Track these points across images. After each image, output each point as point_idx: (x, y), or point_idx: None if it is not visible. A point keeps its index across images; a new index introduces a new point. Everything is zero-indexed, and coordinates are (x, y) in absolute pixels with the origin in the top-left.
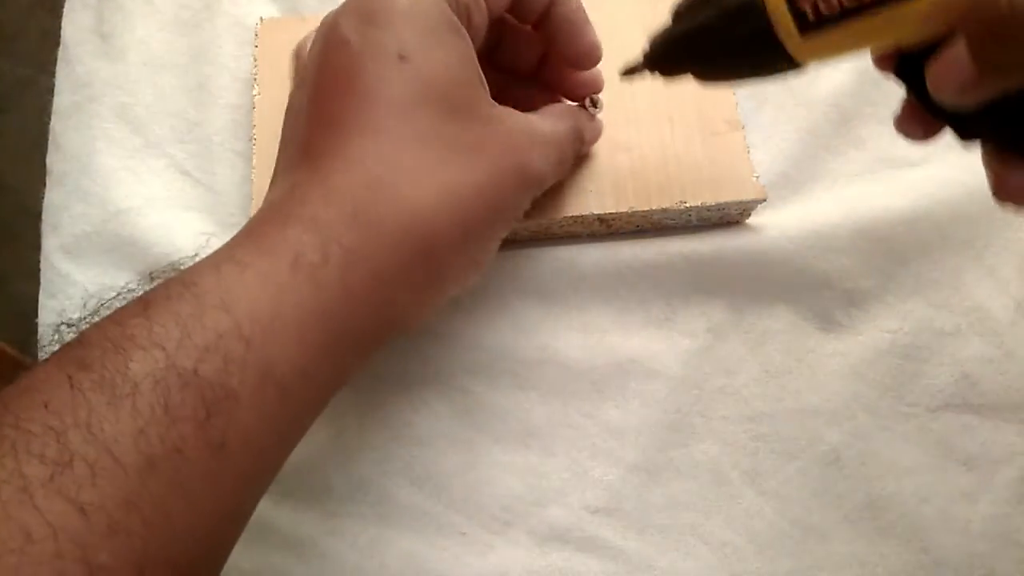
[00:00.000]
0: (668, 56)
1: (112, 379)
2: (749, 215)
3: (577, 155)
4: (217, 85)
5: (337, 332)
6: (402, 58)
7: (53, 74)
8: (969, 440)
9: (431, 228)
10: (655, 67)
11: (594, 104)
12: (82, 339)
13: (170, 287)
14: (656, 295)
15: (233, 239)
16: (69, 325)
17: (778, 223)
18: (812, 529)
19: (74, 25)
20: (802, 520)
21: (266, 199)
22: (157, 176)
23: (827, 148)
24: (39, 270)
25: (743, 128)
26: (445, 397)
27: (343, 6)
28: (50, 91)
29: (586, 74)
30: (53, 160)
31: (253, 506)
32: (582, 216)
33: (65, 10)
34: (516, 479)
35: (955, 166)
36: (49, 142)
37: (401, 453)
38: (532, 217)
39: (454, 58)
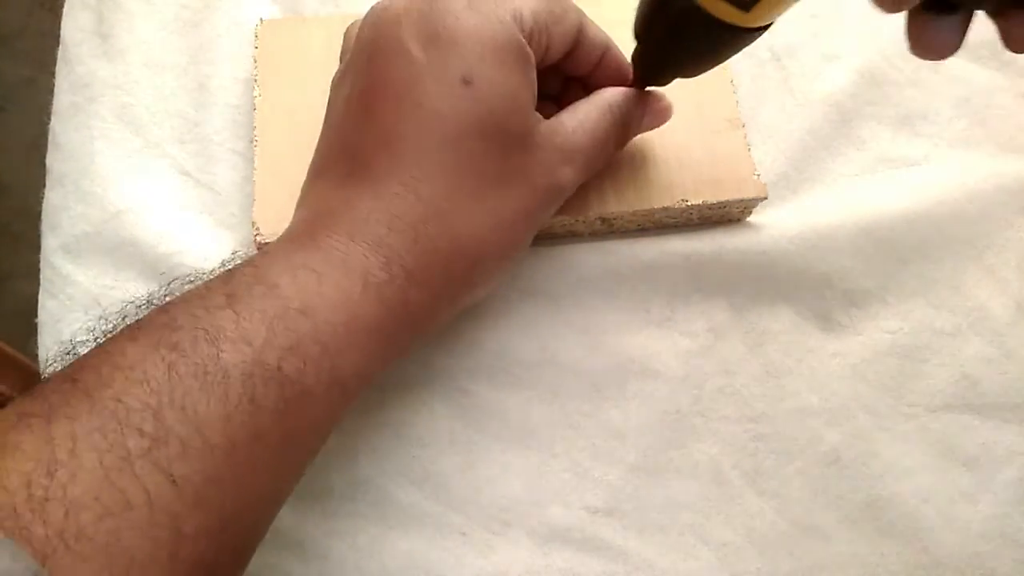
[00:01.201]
0: (650, 75)
1: (205, 366)
2: (750, 213)
3: (622, 144)
4: (217, 85)
5: (392, 341)
6: (466, 82)
7: (53, 74)
8: (969, 440)
9: (479, 252)
10: (645, 85)
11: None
12: (172, 322)
13: (252, 285)
14: (656, 295)
15: (298, 239)
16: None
17: (778, 223)
18: (812, 529)
19: (74, 25)
20: (802, 520)
21: (316, 200)
22: (157, 176)
23: (827, 148)
24: (39, 270)
25: (744, 126)
26: (445, 397)
27: (406, 11)
28: (50, 91)
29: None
30: (53, 160)
31: (297, 482)
32: (583, 215)
33: (65, 10)
34: (516, 479)
35: (955, 166)
36: (49, 142)
37: (401, 453)
38: None
39: (515, 85)
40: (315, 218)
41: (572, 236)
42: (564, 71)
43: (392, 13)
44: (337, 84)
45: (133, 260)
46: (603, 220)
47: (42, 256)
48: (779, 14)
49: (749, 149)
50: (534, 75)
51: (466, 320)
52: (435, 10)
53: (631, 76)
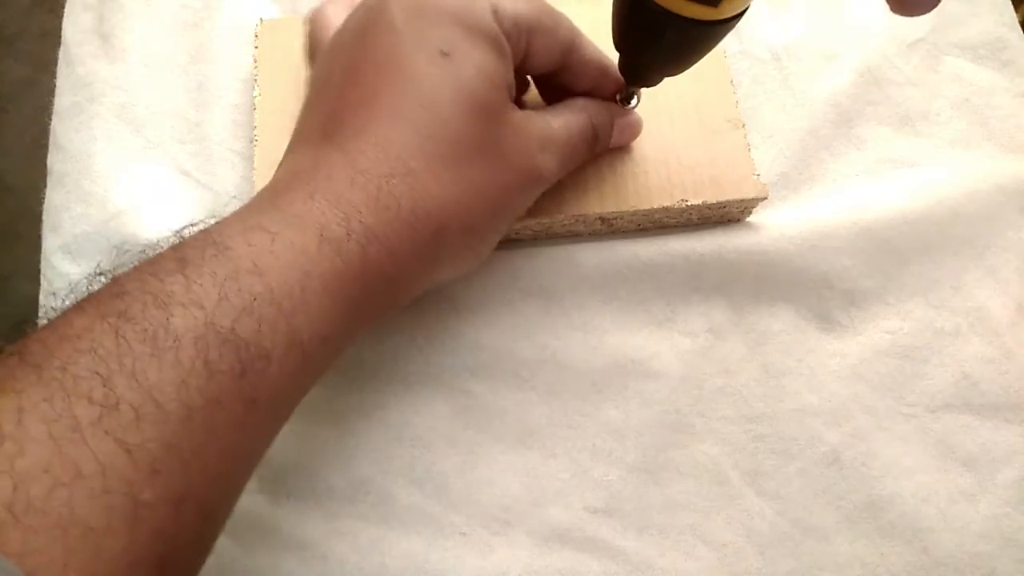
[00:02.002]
0: (636, 80)
1: (155, 332)
2: (750, 213)
3: (592, 151)
4: (217, 85)
5: (353, 302)
6: (444, 55)
7: (53, 74)
8: (969, 440)
9: (442, 218)
10: (635, 88)
11: (626, 100)
12: (120, 290)
13: (204, 248)
14: (656, 295)
15: (257, 203)
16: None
17: (778, 223)
18: (812, 529)
19: (75, 26)
20: (802, 520)
21: (287, 165)
22: (157, 176)
23: (827, 148)
24: (40, 270)
25: (744, 126)
26: (445, 397)
27: None
28: (50, 91)
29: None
30: (54, 160)
31: (265, 452)
32: (583, 215)
33: (66, 10)
34: (516, 479)
35: (955, 166)
36: (50, 142)
37: (401, 453)
38: (534, 216)
39: (491, 64)
40: (280, 181)
41: (572, 236)
42: (560, 86)
43: None
44: (320, 63)
45: (133, 260)
46: (603, 220)
47: (43, 256)
48: (750, 1)
49: (749, 149)
50: (509, 65)
51: (466, 320)
52: None
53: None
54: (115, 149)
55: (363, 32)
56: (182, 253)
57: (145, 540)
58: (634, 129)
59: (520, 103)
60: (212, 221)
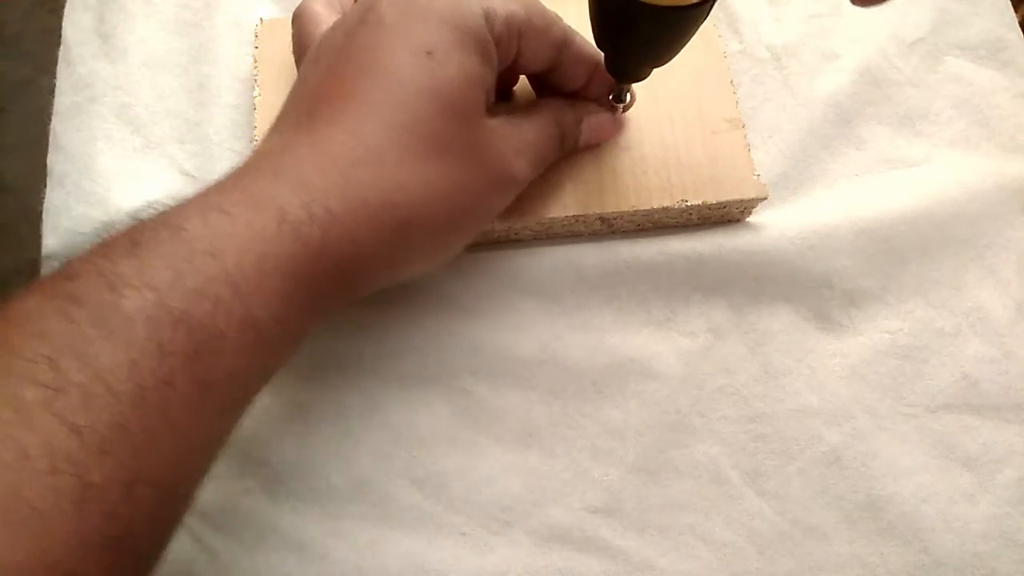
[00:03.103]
0: (623, 76)
1: (105, 314)
2: (750, 213)
3: (561, 151)
4: (217, 85)
5: (311, 287)
6: (428, 54)
7: (53, 74)
8: (969, 440)
9: (408, 212)
10: (624, 84)
11: (618, 98)
12: (71, 272)
13: (158, 230)
14: (656, 295)
15: (220, 184)
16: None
17: (778, 223)
18: (812, 529)
19: (75, 26)
20: (802, 520)
21: (260, 146)
22: (158, 176)
23: (827, 148)
24: (39, 271)
25: (744, 126)
26: (445, 397)
27: None
28: (50, 91)
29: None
30: (54, 161)
31: (228, 436)
32: (583, 215)
33: (66, 11)
34: (516, 479)
35: (955, 166)
36: (50, 142)
37: (401, 453)
38: (534, 216)
39: (473, 67)
40: (246, 164)
41: (572, 236)
42: (552, 84)
43: None
44: (313, 54)
45: None
46: (603, 220)
47: (43, 257)
48: None
49: (749, 149)
50: (492, 70)
51: (466, 320)
52: None
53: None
54: (115, 149)
55: (352, 28)
56: (136, 236)
57: (95, 521)
58: (606, 128)
59: (511, 96)
60: (170, 203)
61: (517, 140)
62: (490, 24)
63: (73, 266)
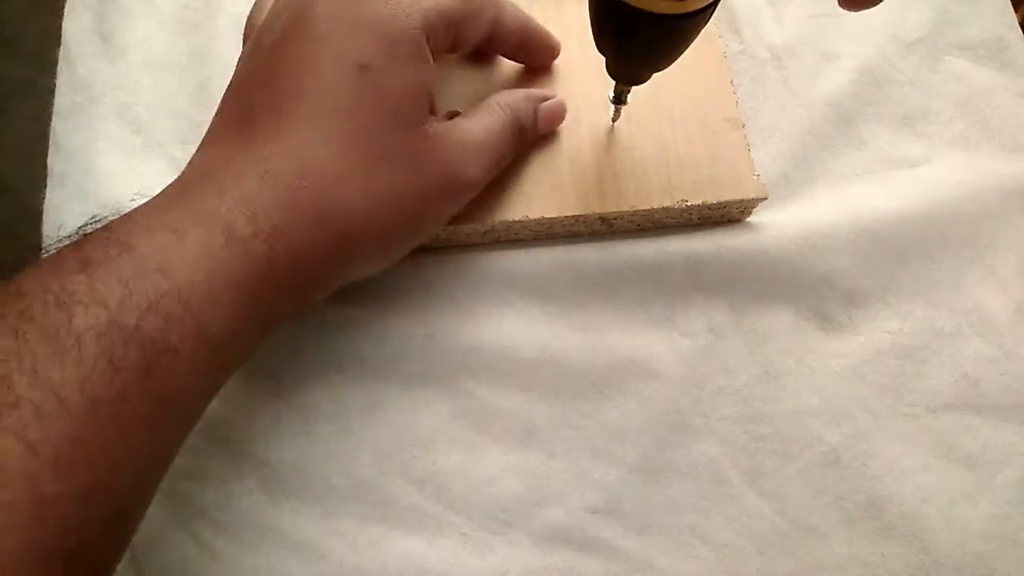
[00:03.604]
0: (623, 79)
1: (56, 331)
2: (750, 213)
3: (522, 145)
4: (217, 85)
5: (262, 300)
6: (362, 68)
7: (53, 74)
8: (969, 440)
9: (352, 223)
10: (626, 86)
11: (619, 100)
12: (21, 290)
13: (108, 247)
14: (656, 294)
15: (165, 199)
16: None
17: (778, 223)
18: (812, 529)
19: (75, 25)
20: (802, 520)
21: (198, 161)
22: (158, 176)
23: (827, 148)
24: None
25: (744, 126)
26: (445, 397)
27: None
28: (50, 91)
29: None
30: (54, 161)
31: (179, 447)
32: (583, 215)
33: (66, 10)
34: (516, 479)
35: (955, 166)
36: (50, 143)
37: (401, 453)
38: (534, 216)
39: (409, 76)
40: (190, 178)
41: (572, 236)
42: (487, 51)
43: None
44: (243, 59)
45: None
46: (603, 220)
47: (43, 256)
48: None
49: (749, 149)
50: (432, 72)
51: (466, 320)
52: None
53: (555, 51)
54: (116, 149)
55: (285, 34)
56: (85, 253)
57: (50, 533)
58: (557, 111)
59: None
60: (112, 216)
61: (467, 143)
62: (426, 24)
63: (22, 283)
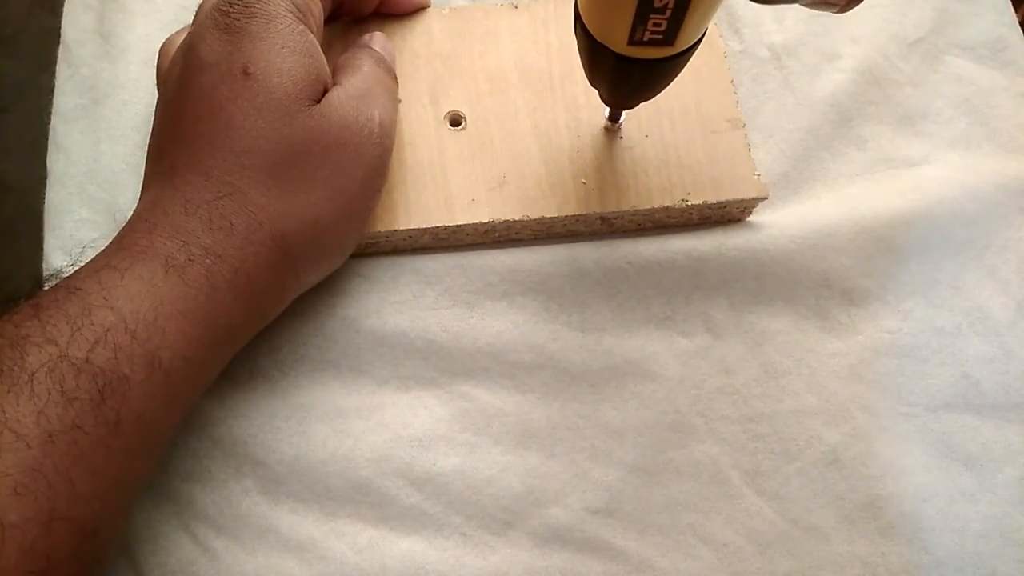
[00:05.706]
0: (616, 106)
1: (10, 370)
2: (750, 213)
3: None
4: None
5: (209, 322)
6: (247, 74)
7: (53, 74)
8: (969, 440)
9: (278, 225)
10: (621, 110)
11: (614, 120)
12: None
13: (57, 292)
14: (656, 293)
15: (107, 249)
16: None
17: (778, 222)
18: (812, 529)
19: (75, 25)
20: (802, 520)
21: (136, 209)
22: None
23: (827, 148)
24: (40, 271)
25: (744, 126)
26: (444, 398)
27: (202, 25)
28: (50, 91)
29: None
30: (54, 161)
31: (148, 474)
32: (584, 215)
33: (66, 10)
34: (516, 480)
35: (955, 166)
36: (50, 143)
37: (401, 454)
38: (535, 215)
39: (291, 65)
40: (126, 227)
41: (572, 235)
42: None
43: (193, 33)
44: (158, 101)
45: None
46: (603, 220)
47: (43, 257)
48: (705, 28)
49: (749, 149)
50: (313, 45)
51: (465, 320)
52: (224, 17)
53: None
54: (116, 149)
55: (181, 73)
56: (37, 301)
57: (14, 559)
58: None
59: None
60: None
61: (356, 97)
62: (303, 13)
63: None
